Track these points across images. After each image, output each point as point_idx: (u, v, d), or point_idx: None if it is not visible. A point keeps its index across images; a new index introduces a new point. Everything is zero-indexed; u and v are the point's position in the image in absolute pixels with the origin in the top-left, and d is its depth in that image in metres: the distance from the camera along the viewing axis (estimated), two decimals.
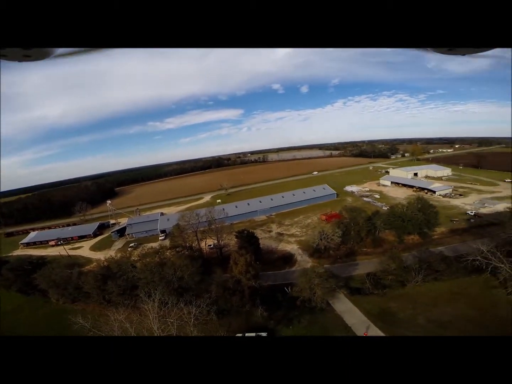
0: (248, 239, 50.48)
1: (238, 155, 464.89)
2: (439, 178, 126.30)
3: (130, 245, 73.61)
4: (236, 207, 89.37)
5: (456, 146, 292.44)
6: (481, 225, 64.45)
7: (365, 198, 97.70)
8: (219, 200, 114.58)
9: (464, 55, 2.69)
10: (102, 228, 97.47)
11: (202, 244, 59.58)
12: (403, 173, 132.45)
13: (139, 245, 71.62)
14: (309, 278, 36.22)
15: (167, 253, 47.22)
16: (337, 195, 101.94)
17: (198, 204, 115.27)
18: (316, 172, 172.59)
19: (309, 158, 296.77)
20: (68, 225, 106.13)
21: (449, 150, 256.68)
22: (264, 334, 32.31)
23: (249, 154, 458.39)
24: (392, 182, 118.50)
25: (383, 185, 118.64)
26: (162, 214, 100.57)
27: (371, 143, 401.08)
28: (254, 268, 37.98)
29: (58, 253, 71.55)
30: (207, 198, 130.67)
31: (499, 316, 33.18)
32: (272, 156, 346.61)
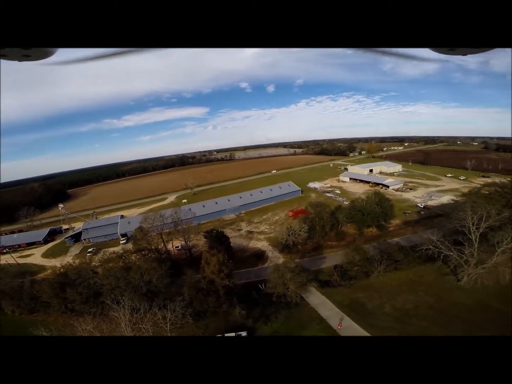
0: (218, 239, 49.97)
1: (203, 153, 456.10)
2: (392, 174, 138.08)
3: (89, 250, 68.86)
4: (204, 206, 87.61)
5: (406, 144, 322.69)
6: (430, 216, 71.97)
7: (327, 194, 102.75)
8: (185, 200, 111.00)
9: (465, 55, 2.69)
10: (53, 234, 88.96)
11: (169, 246, 57.67)
12: (360, 170, 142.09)
13: (99, 250, 67.38)
14: (281, 273, 36.95)
15: (132, 257, 45.20)
16: (302, 191, 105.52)
17: (162, 205, 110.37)
18: (275, 171, 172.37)
19: (275, 156, 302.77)
20: (13, 232, 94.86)
21: (399, 148, 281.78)
22: (244, 333, 32.27)
23: (215, 153, 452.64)
24: (350, 178, 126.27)
25: (343, 181, 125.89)
26: (122, 216, 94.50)
27: (331, 141, 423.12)
28: (227, 267, 37.77)
29: (6, 262, 64.90)
30: (171, 198, 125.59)
31: (453, 302, 37.17)
32: (239, 154, 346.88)
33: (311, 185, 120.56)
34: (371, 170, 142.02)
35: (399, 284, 42.15)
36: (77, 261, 51.35)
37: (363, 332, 32.55)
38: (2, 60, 2.58)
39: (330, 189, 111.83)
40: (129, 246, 59.71)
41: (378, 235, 61.66)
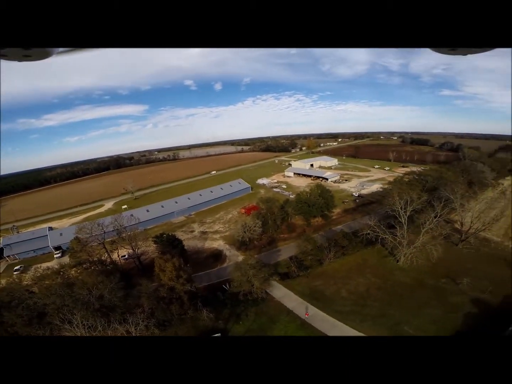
0: (170, 243, 47.37)
1: (142, 153, 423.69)
2: (329, 167, 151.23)
3: (16, 268, 59.24)
4: (148, 211, 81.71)
5: (339, 140, 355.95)
6: (364, 203, 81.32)
7: (275, 189, 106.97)
8: (125, 206, 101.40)
9: (465, 55, 2.67)
10: None
11: (115, 256, 52.44)
12: (302, 165, 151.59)
13: (28, 267, 58.57)
14: (244, 271, 37.11)
15: (73, 272, 40.75)
16: (252, 188, 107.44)
17: (99, 213, 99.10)
18: (214, 172, 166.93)
19: (223, 154, 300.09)
20: None
21: (334, 144, 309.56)
22: (218, 335, 31.49)
23: (156, 152, 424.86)
24: (294, 173, 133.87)
25: (288, 176, 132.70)
26: (51, 228, 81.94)
27: (275, 138, 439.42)
28: (185, 271, 36.29)
29: None
30: (109, 205, 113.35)
31: (396, 281, 42.28)
32: (183, 153, 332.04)
33: (260, 181, 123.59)
34: (311, 165, 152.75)
35: (348, 269, 46.15)
36: (3, 281, 44.11)
37: (329, 319, 34.73)
38: (2, 60, 2.56)
39: (277, 184, 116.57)
40: (66, 259, 52.89)
41: (323, 224, 67.05)
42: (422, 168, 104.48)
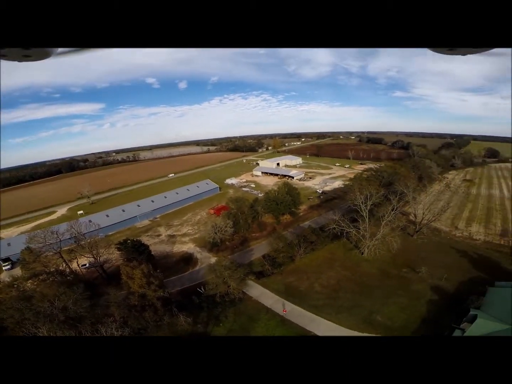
0: (135, 249, 44.75)
1: (99, 155, 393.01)
2: (295, 166, 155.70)
3: None
4: (108, 216, 75.97)
5: (303, 139, 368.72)
6: (327, 199, 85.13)
7: (244, 188, 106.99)
8: (81, 212, 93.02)
9: (464, 55, 2.70)
10: None
11: (74, 265, 48.33)
12: (269, 164, 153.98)
13: None
14: (219, 272, 36.42)
15: (28, 284, 37.72)
16: (220, 188, 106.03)
17: (50, 220, 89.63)
18: (172, 174, 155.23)
19: (188, 154, 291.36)
20: None
21: (298, 143, 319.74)
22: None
23: (114, 154, 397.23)
24: (262, 172, 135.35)
25: (256, 175, 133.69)
26: None
27: (242, 138, 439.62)
28: (156, 277, 34.80)
29: None
30: (62, 211, 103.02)
31: (363, 271, 44.75)
32: (145, 154, 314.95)
33: (228, 181, 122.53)
34: (278, 164, 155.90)
35: (319, 264, 47.84)
36: None
37: (307, 314, 35.55)
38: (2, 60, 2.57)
39: (245, 183, 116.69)
40: (18, 271, 47.90)
41: (292, 221, 68.74)
42: (378, 165, 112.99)
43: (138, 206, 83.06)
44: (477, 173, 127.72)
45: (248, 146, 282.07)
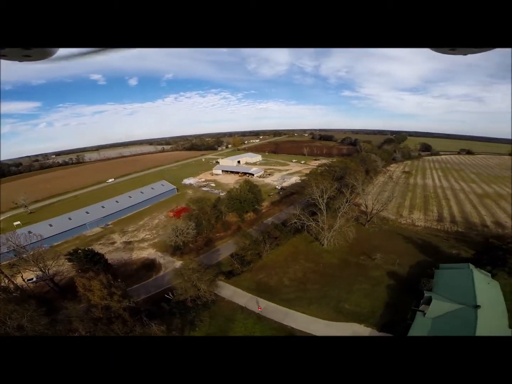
0: (88, 259, 41.14)
1: (34, 158, 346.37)
2: (254, 163, 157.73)
3: None
4: (51, 225, 67.67)
5: (261, 137, 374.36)
6: (287, 195, 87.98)
7: (203, 188, 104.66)
8: (18, 222, 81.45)
9: (465, 54, 2.68)
10: None
11: (19, 280, 42.81)
12: (230, 162, 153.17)
13: None
14: (187, 276, 35.01)
15: None
16: (178, 189, 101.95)
17: None
18: (112, 180, 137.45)
19: (140, 154, 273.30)
20: None
21: (256, 141, 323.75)
22: None
23: (53, 156, 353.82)
24: (223, 171, 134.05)
25: (216, 174, 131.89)
26: None
27: (200, 136, 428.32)
28: (118, 287, 32.55)
29: None
30: None
31: (325, 262, 46.96)
32: (90, 156, 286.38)
33: (186, 181, 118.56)
34: (238, 162, 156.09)
35: (284, 258, 49.14)
36: None
37: (281, 308, 36.10)
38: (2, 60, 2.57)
39: (205, 183, 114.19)
40: None
41: (255, 218, 69.48)
42: (330, 160, 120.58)
43: (87, 213, 75.54)
44: (414, 165, 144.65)
45: (206, 145, 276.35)
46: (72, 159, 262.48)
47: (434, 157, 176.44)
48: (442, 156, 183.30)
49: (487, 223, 61.73)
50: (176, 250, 51.71)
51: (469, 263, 38.43)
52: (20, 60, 2.56)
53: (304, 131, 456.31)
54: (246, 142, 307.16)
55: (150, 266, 49.82)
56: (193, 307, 36.26)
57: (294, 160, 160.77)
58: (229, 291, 40.43)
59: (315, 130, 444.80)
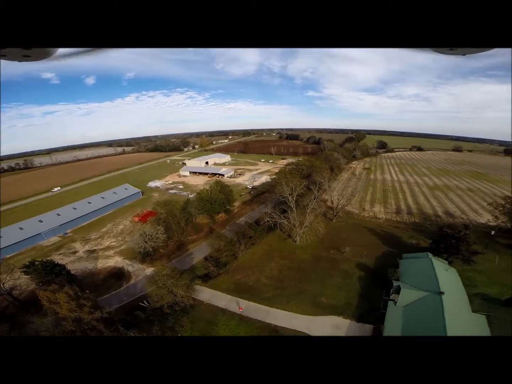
0: (49, 270, 38.12)
1: None
2: (224, 164, 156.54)
3: None
4: (1, 237, 60.24)
5: (229, 137, 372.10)
6: (258, 194, 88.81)
7: (171, 191, 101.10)
8: None
9: (464, 55, 2.68)
10: None
11: None
12: (197, 163, 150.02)
13: None
14: (161, 283, 33.51)
15: None
16: (142, 192, 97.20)
17: None
18: (58, 188, 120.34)
19: (98, 157, 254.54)
20: None
21: (225, 141, 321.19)
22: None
23: None
24: (190, 172, 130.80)
25: (184, 176, 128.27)
26: None
27: (164, 137, 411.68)
28: (87, 298, 30.89)
29: None
30: None
31: (299, 258, 48.10)
32: (41, 160, 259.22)
33: (152, 184, 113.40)
34: (207, 162, 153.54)
35: (260, 257, 49.46)
36: None
37: (262, 307, 36.17)
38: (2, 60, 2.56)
39: (172, 185, 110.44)
40: None
41: (227, 219, 68.99)
42: (297, 159, 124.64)
43: (40, 221, 68.56)
44: (372, 161, 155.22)
45: (171, 146, 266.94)
46: (19, 164, 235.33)
47: (390, 154, 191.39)
48: (397, 153, 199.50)
49: (439, 213, 68.64)
50: (145, 256, 49.29)
51: (428, 252, 41.84)
52: (20, 60, 2.56)
53: (272, 130, 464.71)
54: (214, 142, 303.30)
55: (118, 274, 46.92)
56: (171, 313, 35.03)
57: (263, 160, 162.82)
58: (207, 294, 39.74)
59: (282, 129, 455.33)
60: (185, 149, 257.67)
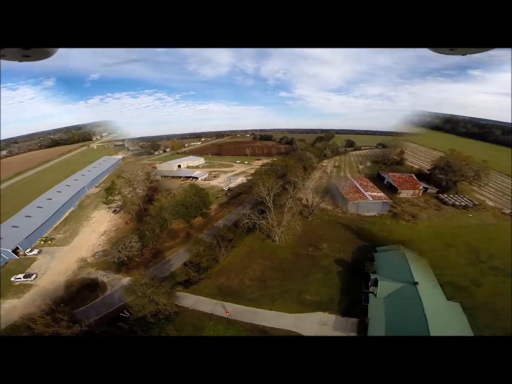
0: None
1: None
2: (197, 167, 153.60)
3: None
4: None
5: (202, 139, 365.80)
6: (234, 196, 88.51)
7: None
8: None
9: (464, 54, 2.70)
10: None
11: None
12: (169, 167, 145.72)
13: None
14: (141, 292, 32.30)
15: None
16: None
17: None
18: None
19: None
20: None
21: (198, 143, 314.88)
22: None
23: None
24: (162, 176, 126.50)
25: (155, 181, 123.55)
26: None
27: (133, 140, 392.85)
28: (63, 312, 30.42)
29: None
30: None
31: (280, 258, 48.69)
32: None
33: None
34: (179, 166, 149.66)
35: (241, 259, 49.36)
36: None
37: (248, 309, 35.97)
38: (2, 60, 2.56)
39: None
40: None
41: (205, 223, 67.89)
42: (272, 159, 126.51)
43: None
44: (342, 160, 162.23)
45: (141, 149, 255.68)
46: None
47: (357, 152, 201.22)
48: (363, 151, 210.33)
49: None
50: (120, 266, 47.05)
51: (399, 245, 44.46)
52: (20, 60, 2.57)
53: (246, 131, 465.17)
54: (186, 145, 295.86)
55: (93, 286, 44.47)
56: (156, 322, 34.00)
57: (238, 161, 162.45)
58: (190, 301, 38.95)
59: (256, 130, 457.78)
60: (156, 153, 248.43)
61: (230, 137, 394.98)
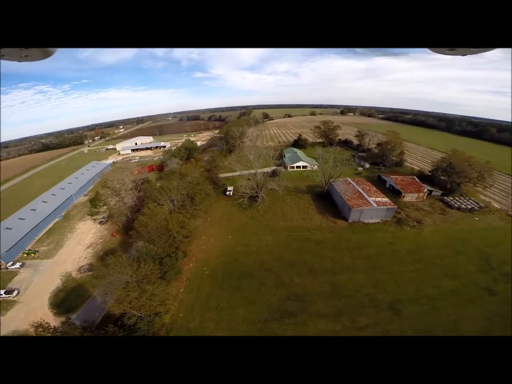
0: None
1: None
2: (150, 143, 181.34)
3: None
4: None
5: (121, 127, 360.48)
6: (205, 148, 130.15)
7: (133, 160, 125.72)
8: None
9: (464, 55, 2.62)
10: None
11: None
12: (129, 144, 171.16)
13: None
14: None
15: None
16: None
17: None
18: None
19: None
20: None
21: (122, 130, 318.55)
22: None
23: None
24: (132, 150, 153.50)
25: (126, 154, 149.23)
26: None
27: (17, 142, 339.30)
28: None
29: None
30: None
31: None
32: None
33: (107, 162, 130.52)
34: (135, 143, 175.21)
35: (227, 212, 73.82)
36: None
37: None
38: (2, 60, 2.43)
39: (130, 157, 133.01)
40: None
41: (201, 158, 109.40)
42: (214, 132, 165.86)
43: None
44: (262, 127, 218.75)
45: (67, 142, 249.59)
46: None
47: (271, 121, 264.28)
48: (275, 120, 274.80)
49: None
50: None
51: (293, 147, 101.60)
52: (20, 60, 2.52)
53: (166, 115, 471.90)
54: (116, 131, 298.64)
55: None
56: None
57: (185, 136, 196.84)
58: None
59: (176, 113, 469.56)
60: (86, 142, 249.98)
61: (151, 121, 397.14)
